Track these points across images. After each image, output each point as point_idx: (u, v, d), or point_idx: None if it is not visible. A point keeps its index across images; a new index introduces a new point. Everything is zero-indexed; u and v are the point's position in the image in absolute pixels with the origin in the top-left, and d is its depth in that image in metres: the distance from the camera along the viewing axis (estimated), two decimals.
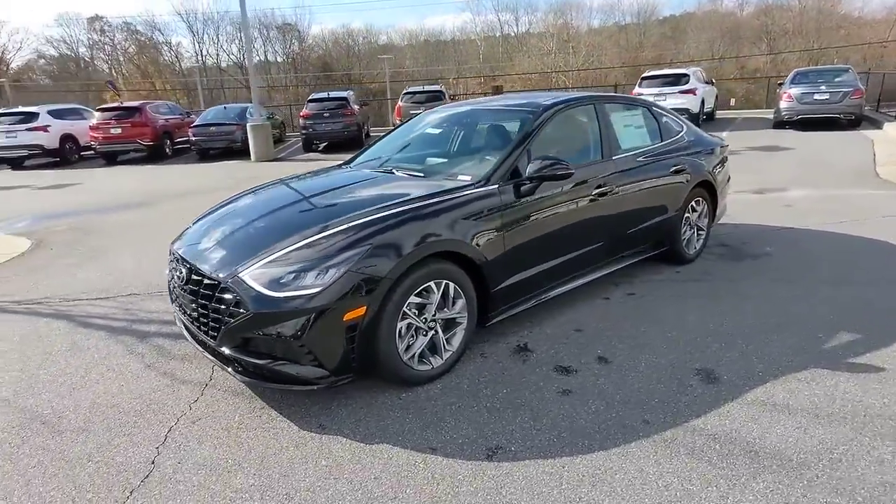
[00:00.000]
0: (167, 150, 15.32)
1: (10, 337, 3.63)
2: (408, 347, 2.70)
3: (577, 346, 3.17)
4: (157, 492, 2.10)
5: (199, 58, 60.23)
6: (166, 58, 61.20)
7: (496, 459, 2.22)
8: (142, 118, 14.44)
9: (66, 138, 14.83)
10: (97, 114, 14.69)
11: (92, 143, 14.55)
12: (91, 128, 14.40)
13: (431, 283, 2.70)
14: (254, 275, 2.46)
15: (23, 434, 2.53)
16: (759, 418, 2.42)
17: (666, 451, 2.24)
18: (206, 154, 15.07)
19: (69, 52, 61.08)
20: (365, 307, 2.44)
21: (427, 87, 17.56)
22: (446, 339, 2.86)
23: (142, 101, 15.47)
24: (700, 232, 4.61)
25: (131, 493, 2.10)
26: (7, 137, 14.11)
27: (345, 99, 15.30)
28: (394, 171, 3.53)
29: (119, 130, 14.28)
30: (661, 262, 4.44)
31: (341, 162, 4.29)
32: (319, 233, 2.59)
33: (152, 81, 57.08)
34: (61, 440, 2.46)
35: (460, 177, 3.16)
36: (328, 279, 2.39)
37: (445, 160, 3.73)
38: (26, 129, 14.18)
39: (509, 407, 2.59)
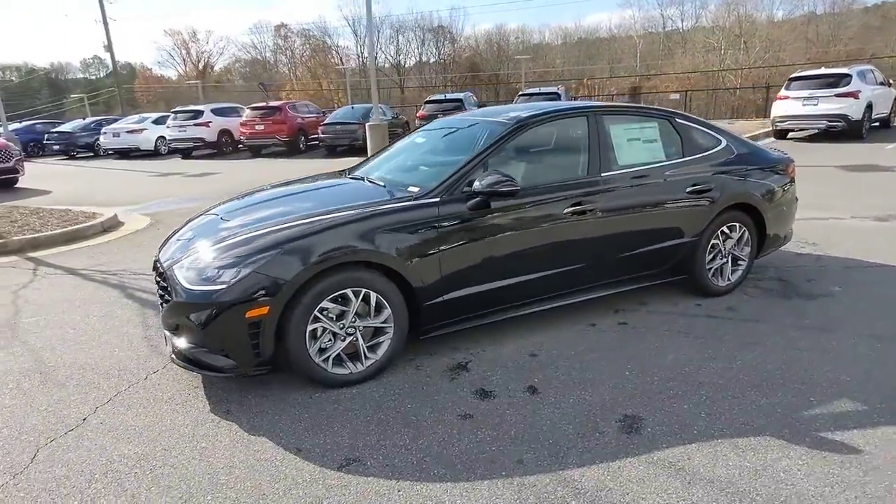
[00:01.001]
0: (301, 145, 16.95)
1: (72, 299, 4.42)
2: (323, 350, 2.81)
3: (517, 372, 3.02)
4: (65, 445, 2.47)
5: (360, 59, 65.24)
6: (333, 60, 67.04)
7: (344, 470, 2.25)
8: (281, 116, 16.18)
9: (223, 133, 17.15)
10: (246, 112, 16.76)
11: (241, 137, 16.64)
12: (241, 124, 16.49)
13: (348, 291, 2.78)
14: (181, 268, 2.75)
15: (19, 378, 3.11)
16: (648, 482, 2.14)
17: (514, 496, 2.08)
18: (334, 150, 16.40)
19: (258, 57, 69.83)
20: (268, 308, 2.60)
21: (449, 96, 17.31)
22: (368, 347, 2.91)
23: (283, 102, 17.31)
24: (739, 262, 4.04)
25: (49, 442, 2.50)
26: (179, 131, 16.73)
27: (460, 100, 15.65)
28: (364, 180, 3.63)
29: (262, 127, 16.15)
30: (688, 291, 3.99)
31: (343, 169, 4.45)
32: (246, 235, 2.80)
33: (319, 82, 63.13)
34: (39, 388, 2.98)
35: (411, 188, 3.17)
36: (235, 278, 2.59)
37: (413, 171, 3.74)
38: (193, 125, 16.69)
39: (400, 423, 2.58)
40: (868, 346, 3.18)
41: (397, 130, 16.79)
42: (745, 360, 3.08)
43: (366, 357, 2.91)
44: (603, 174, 3.45)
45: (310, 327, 2.72)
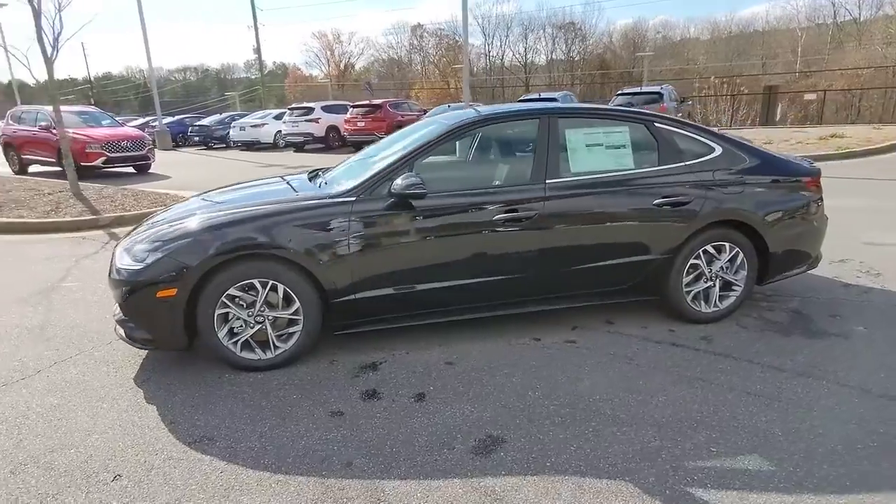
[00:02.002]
0: None
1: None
2: (235, 334, 3.00)
3: (420, 377, 2.98)
4: (14, 390, 2.92)
5: (487, 58, 65.86)
6: (461, 59, 68.17)
7: (191, 446, 2.40)
8: (381, 114, 16.94)
9: (331, 129, 18.36)
10: (351, 109, 17.79)
11: (346, 133, 17.71)
12: (345, 121, 17.55)
13: (255, 282, 2.93)
14: (121, 248, 3.09)
15: (17, 330, 3.69)
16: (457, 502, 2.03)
17: (316, 495, 2.09)
18: None
19: (394, 57, 73.37)
20: (176, 290, 2.85)
21: (544, 95, 16.65)
22: (277, 337, 3.05)
23: (384, 100, 18.08)
24: (734, 288, 3.57)
25: (3, 386, 2.97)
26: (292, 126, 18.24)
27: (554, 100, 15.22)
28: (314, 177, 3.73)
29: (363, 124, 17.04)
30: (672, 314, 3.61)
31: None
32: (172, 224, 3.07)
33: (447, 80, 64.79)
34: (25, 340, 3.52)
35: (337, 187, 3.24)
36: (151, 261, 2.87)
37: (358, 170, 3.71)
38: (305, 121, 18.09)
39: (273, 411, 2.67)
40: (844, 399, 2.67)
41: None
42: (671, 396, 2.74)
43: (275, 346, 3.04)
44: (548, 181, 3.24)
45: (218, 311, 2.92)
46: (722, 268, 3.52)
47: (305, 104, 19.31)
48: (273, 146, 19.59)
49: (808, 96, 18.86)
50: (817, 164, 3.92)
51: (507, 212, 3.15)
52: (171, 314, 2.88)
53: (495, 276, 3.24)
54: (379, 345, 3.35)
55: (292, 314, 3.02)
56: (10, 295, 4.44)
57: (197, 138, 21.91)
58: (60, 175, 11.74)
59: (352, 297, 3.06)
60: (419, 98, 57.31)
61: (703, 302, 3.55)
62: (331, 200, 3.06)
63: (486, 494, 2.08)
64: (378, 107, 17.12)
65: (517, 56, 65.12)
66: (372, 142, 18.95)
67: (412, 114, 18.26)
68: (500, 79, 64.15)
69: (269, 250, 2.92)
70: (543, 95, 16.36)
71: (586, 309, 3.70)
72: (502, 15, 72.43)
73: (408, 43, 72.13)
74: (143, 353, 3.29)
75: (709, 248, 3.46)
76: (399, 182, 2.98)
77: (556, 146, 3.30)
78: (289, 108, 19.39)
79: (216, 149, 21.25)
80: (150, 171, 13.22)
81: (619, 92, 15.54)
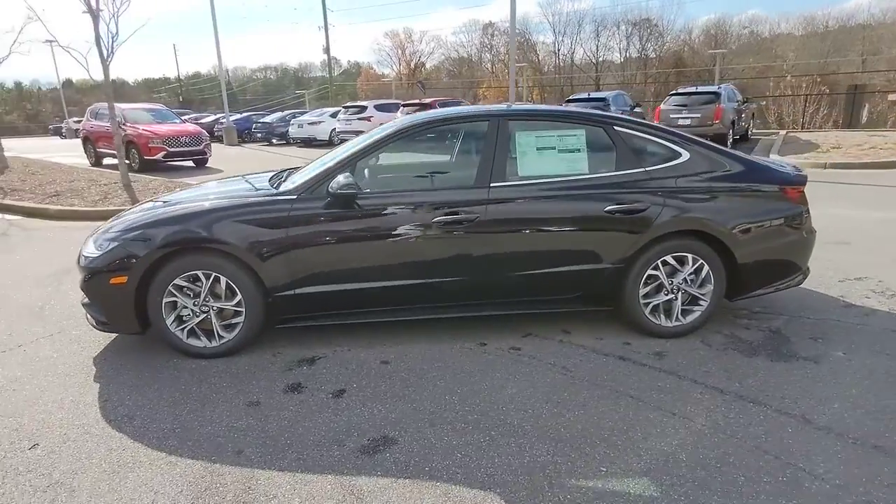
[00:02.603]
0: None
1: None
2: (183, 322, 3.18)
3: (349, 374, 3.03)
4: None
5: (556, 56, 64.76)
6: (532, 57, 67.68)
7: (111, 424, 2.58)
8: None
9: None
10: (402, 108, 18.06)
11: None
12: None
13: (199, 273, 3.10)
14: (89, 238, 3.35)
15: (15, 309, 4.08)
16: (318, 500, 2.07)
17: (195, 478, 2.20)
18: None
19: (465, 55, 73.60)
20: (126, 277, 3.06)
21: (593, 95, 16.26)
22: (222, 327, 3.20)
23: (434, 99, 18.20)
24: (700, 302, 3.37)
25: None
26: (346, 124, 18.76)
27: (603, 100, 14.78)
28: (279, 177, 3.82)
29: None
30: (631, 327, 3.47)
31: None
32: (133, 216, 3.29)
33: (516, 79, 64.23)
34: (25, 316, 3.89)
35: (286, 186, 3.34)
36: (106, 250, 3.10)
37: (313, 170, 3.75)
38: (357, 118, 18.55)
39: (198, 398, 2.81)
40: (776, 429, 2.47)
41: None
42: (589, 411, 2.64)
43: (219, 335, 3.20)
44: (493, 184, 3.20)
45: (166, 300, 3.11)
46: (686, 280, 3.33)
47: (359, 103, 19.81)
48: (329, 143, 20.23)
49: (892, 97, 17.08)
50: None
51: (447, 214, 3.14)
52: (123, 300, 3.09)
53: (435, 278, 3.23)
54: (327, 340, 3.43)
55: (235, 306, 3.17)
56: (31, 275, 4.91)
57: (259, 135, 23.00)
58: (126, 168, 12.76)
59: (291, 292, 3.16)
60: (486, 97, 57.23)
61: (663, 315, 3.37)
62: (272, 198, 3.17)
63: (350, 493, 2.11)
64: (427, 105, 17.27)
65: (588, 54, 63.48)
66: None
67: None
68: (568, 77, 62.87)
69: (211, 244, 3.07)
70: (592, 95, 15.92)
71: (546, 317, 3.63)
72: (574, 12, 70.74)
73: (478, 41, 72.08)
74: (113, 335, 3.55)
75: (669, 258, 3.29)
76: (334, 182, 3.05)
77: (503, 149, 3.24)
78: (343, 107, 19.98)
79: (276, 145, 22.23)
80: (206, 164, 14.04)
81: (672, 92, 14.84)
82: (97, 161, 14.17)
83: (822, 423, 2.51)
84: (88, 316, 3.27)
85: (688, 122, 13.23)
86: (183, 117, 15.98)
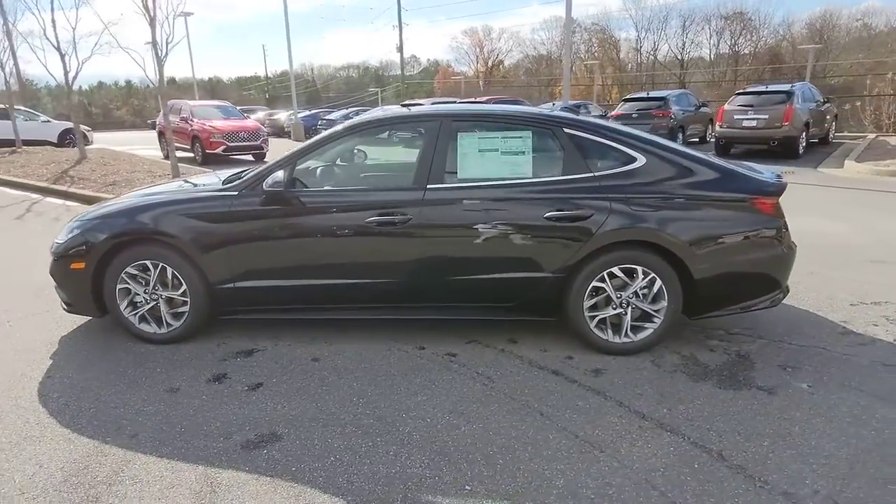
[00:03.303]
0: None
1: None
2: (137, 307, 3.37)
3: (274, 369, 3.08)
4: None
5: (638, 53, 62.32)
6: (612, 55, 65.59)
7: (41, 400, 2.79)
8: None
9: None
10: None
11: None
12: None
13: (148, 263, 3.27)
14: (64, 227, 3.62)
15: (23, 289, 4.48)
16: (178, 486, 2.13)
17: (80, 455, 2.33)
18: None
19: (544, 53, 72.48)
20: (84, 263, 3.28)
21: (652, 94, 15.32)
22: (171, 315, 3.36)
23: (490, 97, 18.05)
24: (654, 319, 3.14)
25: None
26: None
27: (662, 99, 14.05)
28: (238, 175, 3.90)
29: None
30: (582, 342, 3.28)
31: None
32: (100, 208, 3.52)
33: (592, 76, 62.51)
34: (27, 295, 4.26)
35: (234, 182, 3.43)
36: (69, 237, 3.34)
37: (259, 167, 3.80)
38: None
39: (126, 380, 2.97)
40: (681, 461, 2.26)
41: None
42: (489, 426, 2.54)
43: (168, 323, 3.36)
44: (429, 186, 3.13)
45: (119, 286, 3.30)
46: (637, 294, 3.11)
47: (416, 101, 20.02)
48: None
49: None
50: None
51: (381, 214, 3.11)
52: (82, 285, 3.32)
53: (369, 279, 3.22)
54: (272, 334, 3.51)
55: (181, 295, 3.31)
56: None
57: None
58: (191, 161, 13.67)
59: (231, 285, 3.26)
60: (561, 95, 55.97)
61: (611, 331, 3.17)
62: (215, 194, 3.29)
63: (208, 485, 2.15)
64: (480, 104, 17.19)
65: (674, 50, 60.46)
66: None
67: None
68: (650, 74, 60.25)
69: (158, 236, 3.22)
70: (651, 94, 15.12)
71: (495, 324, 3.52)
72: (659, 6, 67.63)
73: (559, 38, 70.71)
74: (87, 317, 3.81)
75: (616, 270, 3.08)
76: (268, 179, 3.11)
77: (443, 150, 3.17)
78: (401, 104, 20.29)
79: None
80: (264, 158, 14.75)
81: (739, 91, 13.77)
82: (168, 153, 15.25)
83: (736, 462, 2.26)
84: (59, 297, 3.54)
85: (753, 123, 12.29)
86: (246, 114, 16.87)
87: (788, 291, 3.31)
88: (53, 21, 10.93)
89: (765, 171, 3.36)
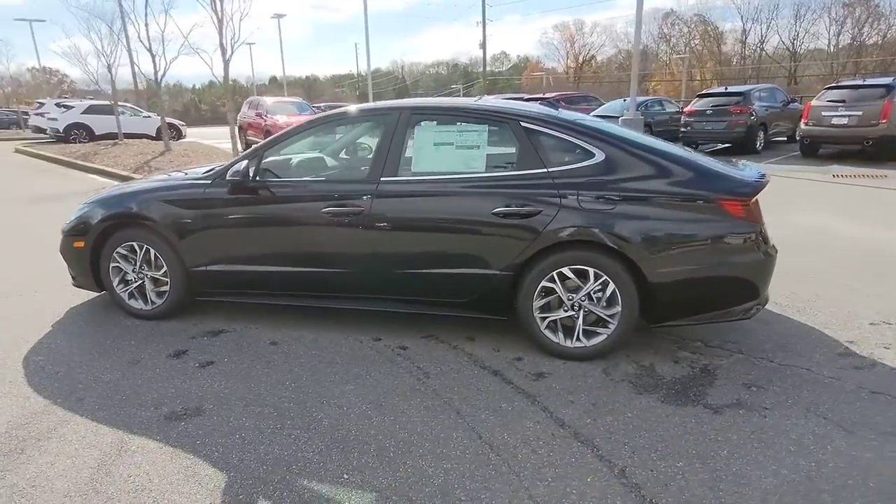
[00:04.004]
0: None
1: None
2: (128, 285, 3.69)
3: (231, 349, 3.24)
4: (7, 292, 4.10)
5: (743, 46, 58.07)
6: (713, 48, 61.63)
7: (25, 362, 3.13)
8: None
9: None
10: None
11: None
12: None
13: (134, 244, 3.56)
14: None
15: (53, 264, 4.99)
16: (88, 448, 2.33)
17: (31, 411, 2.60)
18: None
19: (640, 48, 69.39)
20: (83, 242, 3.63)
21: (731, 89, 13.82)
22: (156, 293, 3.64)
23: (557, 94, 17.57)
24: (608, 324, 2.98)
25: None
26: None
27: (742, 94, 13.00)
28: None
29: None
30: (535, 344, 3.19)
31: None
32: (104, 191, 3.86)
33: (689, 71, 59.03)
34: (56, 267, 4.77)
35: (207, 172, 3.62)
36: (74, 217, 3.70)
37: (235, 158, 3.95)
38: None
39: (99, 349, 3.25)
40: (577, 473, 2.15)
41: (672, 127, 15.04)
42: (399, 420, 2.53)
43: (152, 301, 3.64)
44: (383, 178, 3.15)
45: (112, 265, 3.63)
46: (590, 297, 2.95)
47: (492, 97, 19.94)
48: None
49: None
50: None
51: (335, 206, 3.18)
52: (83, 261, 3.68)
53: (324, 268, 3.29)
54: (248, 317, 3.69)
55: (162, 275, 3.58)
56: None
57: None
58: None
59: (203, 268, 3.47)
60: (655, 92, 53.43)
61: (561, 334, 3.03)
62: (191, 182, 3.51)
63: (117, 449, 2.33)
64: (546, 101, 16.79)
65: (785, 42, 55.60)
66: None
67: (588, 108, 17.47)
68: (755, 68, 55.85)
69: (141, 220, 3.50)
70: (730, 89, 13.97)
71: (457, 321, 3.48)
72: None
73: (655, 31, 67.42)
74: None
75: (566, 271, 2.94)
76: (232, 168, 3.27)
77: (399, 143, 3.17)
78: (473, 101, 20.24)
79: None
80: None
81: (830, 85, 12.36)
82: (246, 146, 16.32)
83: (635, 481, 2.11)
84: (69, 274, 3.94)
85: (844, 121, 11.07)
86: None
87: (766, 302, 3.00)
88: (147, 24, 12.06)
89: (748, 170, 3.07)
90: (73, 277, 3.84)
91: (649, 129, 15.03)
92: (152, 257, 3.55)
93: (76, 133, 17.64)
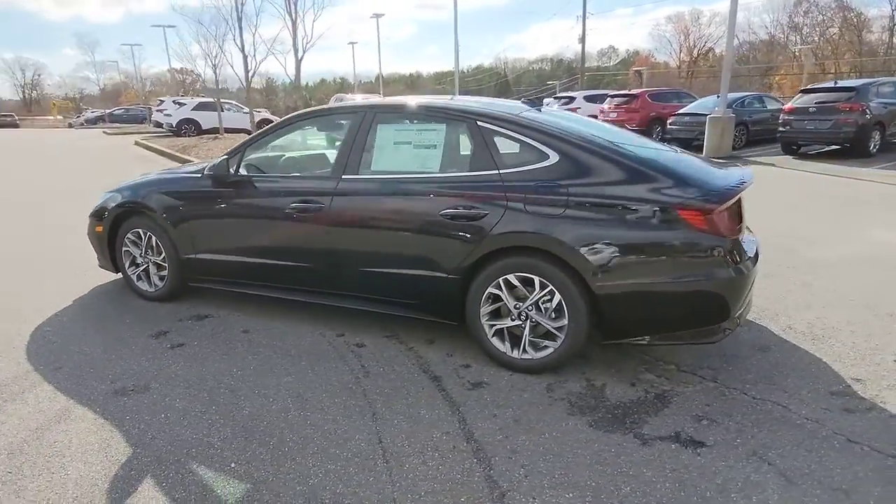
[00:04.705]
0: (654, 135, 16.03)
1: None
2: (136, 268, 4.04)
3: (205, 335, 3.44)
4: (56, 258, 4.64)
5: (891, 34, 51.51)
6: (853, 37, 55.42)
7: (32, 331, 3.54)
8: (635, 105, 15.72)
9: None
10: (608, 99, 16.99)
11: None
12: (600, 110, 16.93)
13: (140, 231, 3.89)
14: None
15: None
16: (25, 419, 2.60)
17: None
18: (688, 146, 14.89)
19: (765, 38, 63.86)
20: (102, 227, 4.03)
21: (841, 83, 12.14)
22: (158, 277, 3.95)
23: (644, 90, 16.57)
24: (556, 337, 2.80)
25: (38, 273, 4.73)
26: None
27: (854, 90, 11.50)
28: None
29: (615, 115, 16.13)
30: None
31: None
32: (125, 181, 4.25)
33: (822, 64, 53.29)
34: None
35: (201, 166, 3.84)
36: (98, 203, 4.11)
37: None
38: (564, 110, 18.17)
39: (92, 323, 3.59)
40: (451, 485, 2.06)
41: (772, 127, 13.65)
42: (315, 416, 2.56)
43: (155, 284, 3.96)
44: (344, 176, 3.17)
45: (123, 249, 3.99)
46: (538, 307, 2.79)
47: (570, 93, 19.30)
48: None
49: None
50: None
51: (301, 202, 3.26)
52: (102, 244, 4.08)
53: (289, 261, 3.39)
54: (237, 305, 3.88)
55: (161, 261, 3.87)
56: None
57: None
58: None
59: (193, 256, 3.71)
60: (780, 87, 48.92)
61: (508, 343, 2.89)
62: (186, 175, 3.75)
63: (60, 416, 2.57)
64: (633, 97, 15.93)
65: None
66: None
67: (679, 105, 16.35)
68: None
69: (144, 209, 3.81)
70: (840, 84, 12.32)
71: (422, 323, 3.42)
72: None
73: (785, 20, 61.63)
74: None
75: (512, 278, 2.80)
76: (211, 164, 3.46)
77: (361, 142, 3.18)
78: (554, 97, 19.72)
79: None
80: None
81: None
82: None
83: (507, 502, 1.96)
84: None
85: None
86: None
87: (737, 326, 2.65)
88: (241, 28, 13.04)
89: (730, 175, 2.73)
90: (98, 260, 4.27)
91: (745, 128, 13.81)
92: (154, 244, 3.86)
93: (186, 128, 19.54)
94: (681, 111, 14.74)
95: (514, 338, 2.90)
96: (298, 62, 10.34)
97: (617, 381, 2.81)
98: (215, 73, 17.14)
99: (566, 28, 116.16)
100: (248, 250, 3.52)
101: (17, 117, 45.82)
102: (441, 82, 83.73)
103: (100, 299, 4.10)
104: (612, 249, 2.58)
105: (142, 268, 3.98)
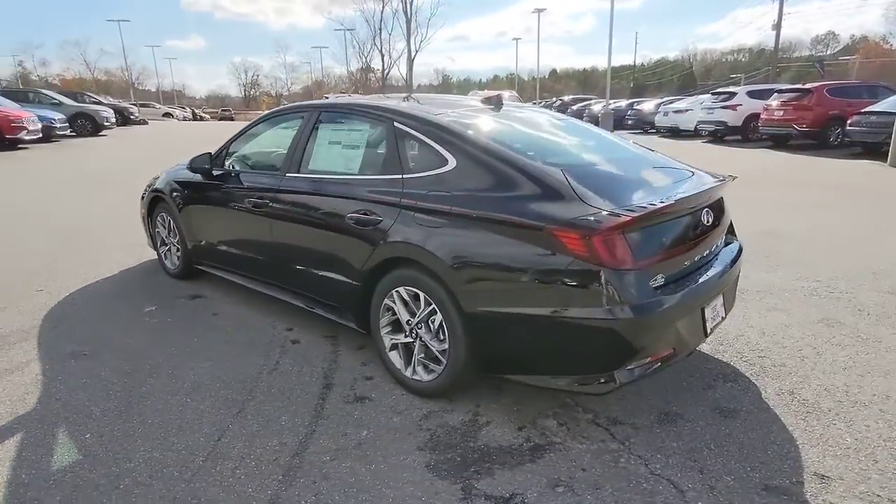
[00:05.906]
0: (833, 138, 13.42)
1: None
2: (165, 247, 4.56)
3: (185, 314, 3.75)
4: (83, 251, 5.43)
5: None
6: None
7: (55, 304, 4.19)
8: (808, 101, 13.26)
9: (751, 118, 15.61)
10: (776, 94, 14.57)
11: (760, 122, 14.79)
12: (764, 108, 14.64)
13: (164, 215, 4.38)
14: None
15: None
16: None
17: None
18: (872, 149, 12.25)
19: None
20: (145, 210, 4.60)
21: None
22: (177, 257, 4.40)
23: (822, 84, 13.83)
24: (441, 361, 2.54)
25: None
26: (707, 114, 16.54)
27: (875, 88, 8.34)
28: None
29: (782, 113, 13.84)
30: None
31: None
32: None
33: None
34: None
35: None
36: (146, 188, 4.71)
37: None
38: (721, 107, 16.07)
39: (110, 297, 4.13)
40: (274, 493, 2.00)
41: None
42: (199, 405, 2.66)
43: (175, 263, 4.43)
44: (287, 174, 3.21)
45: (155, 230, 4.54)
46: (427, 325, 2.56)
47: (730, 88, 16.93)
48: (695, 134, 18.27)
49: None
50: None
51: (255, 198, 3.39)
52: (145, 224, 4.68)
53: (253, 254, 3.55)
54: (229, 289, 4.15)
55: (177, 242, 4.32)
56: None
57: (630, 122, 22.38)
58: None
59: (198, 243, 4.07)
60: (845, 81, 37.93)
61: (403, 362, 2.70)
62: (183, 168, 4.10)
63: (18, 368, 3.01)
64: (807, 92, 13.45)
65: None
66: (788, 136, 16.51)
67: (869, 102, 13.48)
68: None
69: (162, 196, 4.28)
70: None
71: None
72: None
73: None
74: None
75: (402, 291, 2.60)
76: (192, 158, 3.77)
77: (304, 141, 3.20)
78: (711, 93, 17.48)
79: (648, 133, 21.29)
80: None
81: None
82: None
83: None
84: None
85: None
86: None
87: (625, 382, 2.12)
88: (379, 32, 13.82)
89: (664, 189, 2.21)
90: (148, 238, 4.91)
91: None
92: (172, 227, 4.31)
93: None
94: (867, 109, 12.12)
95: (410, 355, 2.68)
96: (410, 62, 10.67)
97: (506, 422, 2.45)
98: (365, 72, 18.45)
99: (772, 14, 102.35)
100: (222, 240, 3.78)
101: (233, 112, 54.53)
102: (614, 77, 79.80)
103: (127, 273, 4.67)
104: (486, 269, 2.25)
105: (166, 247, 4.48)
